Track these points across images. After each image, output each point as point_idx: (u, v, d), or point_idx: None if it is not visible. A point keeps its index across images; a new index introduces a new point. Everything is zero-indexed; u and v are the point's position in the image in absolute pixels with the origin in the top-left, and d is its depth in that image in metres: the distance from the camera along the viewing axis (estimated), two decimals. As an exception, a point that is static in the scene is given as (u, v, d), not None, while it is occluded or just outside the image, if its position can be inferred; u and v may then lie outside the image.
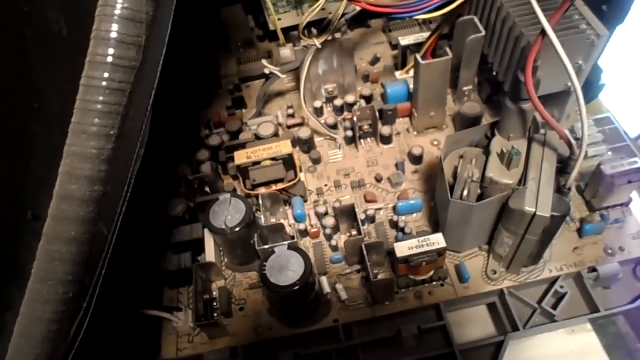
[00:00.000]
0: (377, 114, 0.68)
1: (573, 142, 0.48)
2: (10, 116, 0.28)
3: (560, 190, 0.49)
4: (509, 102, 0.49)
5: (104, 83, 0.25)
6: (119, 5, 0.25)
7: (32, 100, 0.28)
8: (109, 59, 0.25)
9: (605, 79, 0.69)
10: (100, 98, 0.26)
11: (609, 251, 0.58)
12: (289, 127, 0.73)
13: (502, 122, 0.52)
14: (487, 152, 0.53)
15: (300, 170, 0.66)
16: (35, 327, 0.29)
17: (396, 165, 0.67)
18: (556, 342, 0.57)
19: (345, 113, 0.73)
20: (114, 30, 0.25)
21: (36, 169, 0.28)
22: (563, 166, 0.49)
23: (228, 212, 0.56)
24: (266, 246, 0.55)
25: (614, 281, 0.57)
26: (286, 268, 0.51)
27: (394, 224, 0.62)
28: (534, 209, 0.47)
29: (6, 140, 0.27)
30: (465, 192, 0.51)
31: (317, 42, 0.64)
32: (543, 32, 0.41)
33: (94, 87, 0.25)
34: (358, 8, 0.60)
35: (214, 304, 0.59)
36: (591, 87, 0.70)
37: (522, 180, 0.50)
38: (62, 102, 0.27)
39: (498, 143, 0.52)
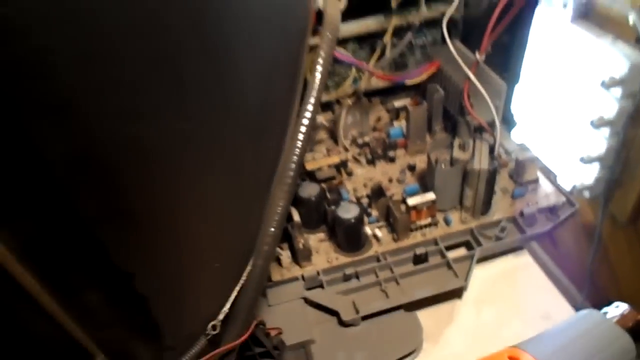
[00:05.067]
0: (385, 144, 1.12)
1: (486, 126, 0.92)
2: (283, 115, 0.71)
3: (492, 157, 0.93)
4: (460, 118, 0.95)
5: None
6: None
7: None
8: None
9: (517, 120, 1.16)
10: None
11: (529, 204, 0.99)
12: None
13: (458, 130, 0.97)
14: (452, 147, 0.97)
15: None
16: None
17: (400, 172, 1.10)
18: (506, 263, 0.96)
19: (365, 148, 1.17)
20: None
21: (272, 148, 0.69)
22: (490, 147, 0.93)
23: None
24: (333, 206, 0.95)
25: (534, 221, 0.98)
26: (348, 211, 0.91)
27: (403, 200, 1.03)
28: (479, 167, 0.90)
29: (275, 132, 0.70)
30: (443, 166, 0.94)
31: (350, 102, 1.10)
32: (468, 78, 0.88)
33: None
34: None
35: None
36: (510, 125, 1.17)
37: (472, 156, 0.93)
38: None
39: (457, 140, 0.96)
